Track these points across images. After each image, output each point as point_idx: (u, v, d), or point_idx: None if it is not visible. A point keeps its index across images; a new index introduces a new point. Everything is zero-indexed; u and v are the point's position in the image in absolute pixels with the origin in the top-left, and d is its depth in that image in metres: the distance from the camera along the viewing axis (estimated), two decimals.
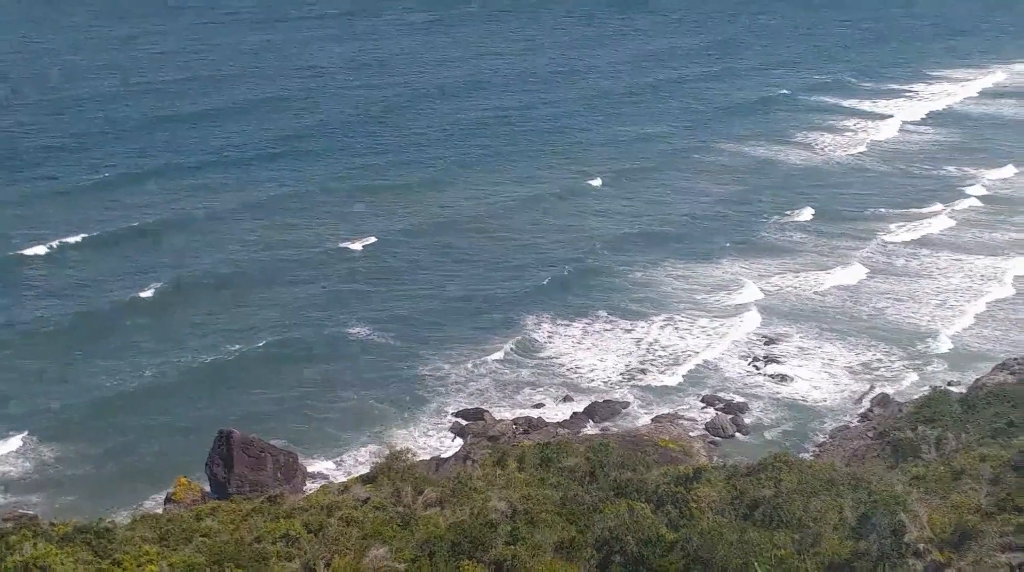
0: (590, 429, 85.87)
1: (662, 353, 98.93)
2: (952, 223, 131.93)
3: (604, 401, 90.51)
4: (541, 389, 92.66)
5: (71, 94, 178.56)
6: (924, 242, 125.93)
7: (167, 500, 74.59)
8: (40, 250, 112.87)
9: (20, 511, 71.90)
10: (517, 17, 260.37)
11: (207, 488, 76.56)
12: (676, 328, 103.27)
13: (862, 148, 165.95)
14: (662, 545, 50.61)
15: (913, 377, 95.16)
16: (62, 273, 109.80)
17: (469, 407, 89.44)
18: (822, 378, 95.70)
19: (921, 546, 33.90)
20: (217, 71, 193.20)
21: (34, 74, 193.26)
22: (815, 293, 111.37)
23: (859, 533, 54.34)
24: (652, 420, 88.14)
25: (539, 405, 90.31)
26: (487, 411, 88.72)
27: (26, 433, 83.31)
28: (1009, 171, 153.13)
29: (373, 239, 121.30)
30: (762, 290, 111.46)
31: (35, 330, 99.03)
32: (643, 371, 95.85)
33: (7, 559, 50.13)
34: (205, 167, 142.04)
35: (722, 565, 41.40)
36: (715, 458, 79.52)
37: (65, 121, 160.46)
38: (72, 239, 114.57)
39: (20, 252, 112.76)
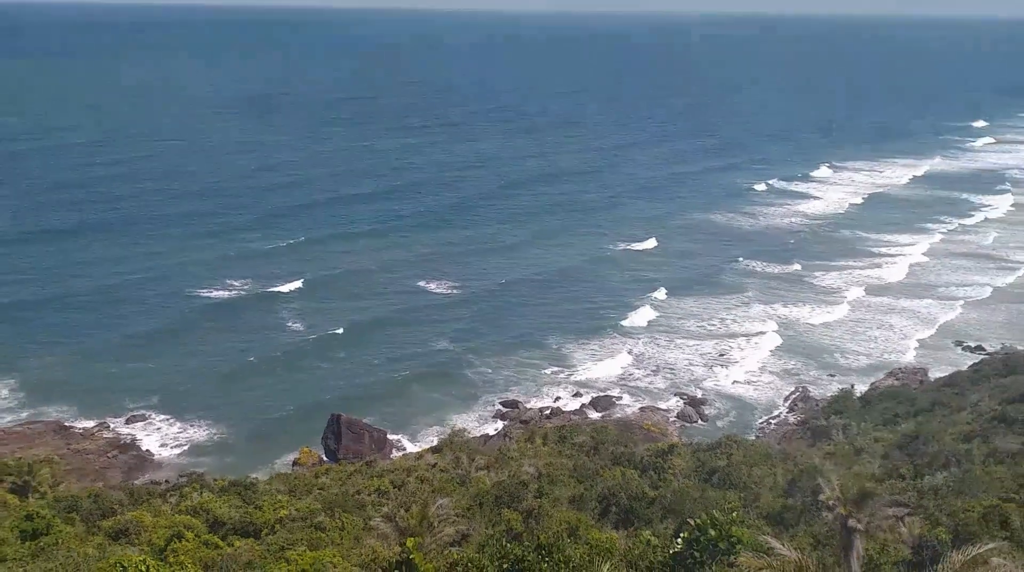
0: (594, 416, 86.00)
1: (648, 361, 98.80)
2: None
3: (604, 396, 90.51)
4: (559, 387, 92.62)
5: (293, 181, 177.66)
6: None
7: (294, 463, 75.20)
8: (286, 290, 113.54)
9: (192, 470, 72.62)
10: (574, 128, 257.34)
11: (322, 455, 77.10)
12: (657, 344, 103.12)
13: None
14: (646, 500, 51.01)
15: (826, 381, 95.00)
16: (286, 306, 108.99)
17: (508, 399, 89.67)
18: (761, 381, 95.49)
19: (832, 503, 33.77)
20: (371, 166, 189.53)
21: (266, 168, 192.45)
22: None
23: (788, 493, 54.54)
24: (639, 410, 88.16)
25: (557, 398, 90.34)
26: (520, 402, 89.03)
27: (198, 415, 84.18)
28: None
29: (457, 284, 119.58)
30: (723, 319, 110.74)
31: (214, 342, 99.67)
32: (632, 375, 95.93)
33: (181, 504, 50.90)
34: (373, 233, 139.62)
35: (688, 514, 41.51)
36: (684, 438, 79.70)
37: (283, 199, 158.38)
38: (295, 284, 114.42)
39: (267, 290, 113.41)
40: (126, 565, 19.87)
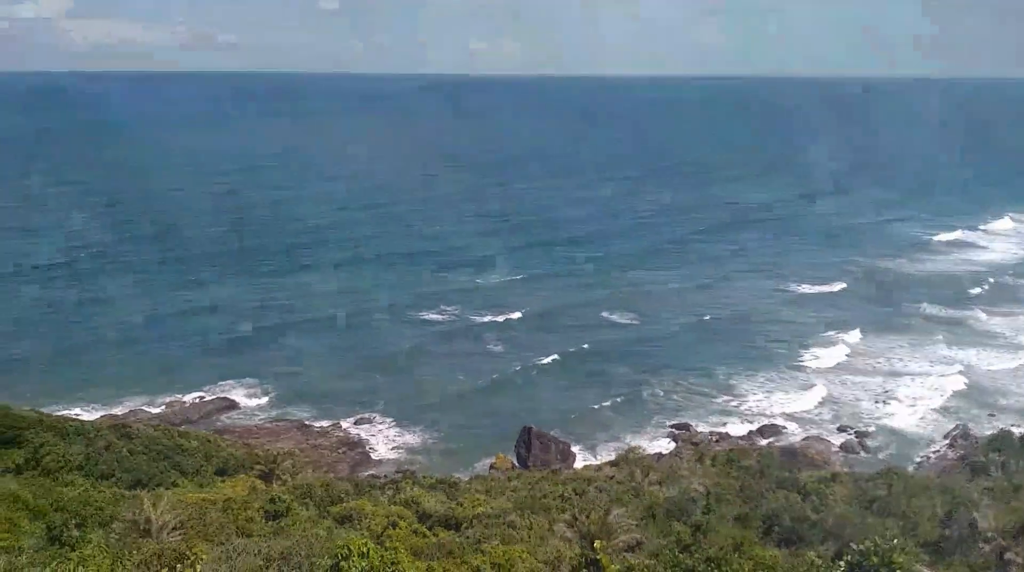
0: (761, 442, 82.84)
1: (816, 395, 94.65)
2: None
3: (771, 424, 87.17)
4: (728, 415, 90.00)
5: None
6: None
7: (491, 467, 75.94)
8: (493, 320, 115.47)
9: (406, 467, 74.62)
10: (755, 179, 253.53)
11: (515, 461, 77.59)
12: (827, 379, 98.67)
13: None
14: (808, 522, 48.50)
15: (986, 420, 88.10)
16: (492, 334, 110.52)
17: (679, 422, 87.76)
18: (923, 417, 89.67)
19: (989, 534, 31.19)
20: (577, 214, 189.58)
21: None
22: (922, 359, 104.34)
23: (945, 524, 50.58)
24: (804, 439, 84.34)
25: (725, 423, 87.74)
26: (691, 425, 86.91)
27: (414, 421, 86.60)
28: None
29: (642, 318, 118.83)
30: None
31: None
32: (800, 407, 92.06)
33: (396, 496, 52.21)
34: (571, 273, 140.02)
35: (848, 539, 39.15)
36: (846, 468, 75.57)
37: (498, 241, 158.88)
38: (502, 316, 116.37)
39: (477, 320, 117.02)
40: (351, 547, 20.45)
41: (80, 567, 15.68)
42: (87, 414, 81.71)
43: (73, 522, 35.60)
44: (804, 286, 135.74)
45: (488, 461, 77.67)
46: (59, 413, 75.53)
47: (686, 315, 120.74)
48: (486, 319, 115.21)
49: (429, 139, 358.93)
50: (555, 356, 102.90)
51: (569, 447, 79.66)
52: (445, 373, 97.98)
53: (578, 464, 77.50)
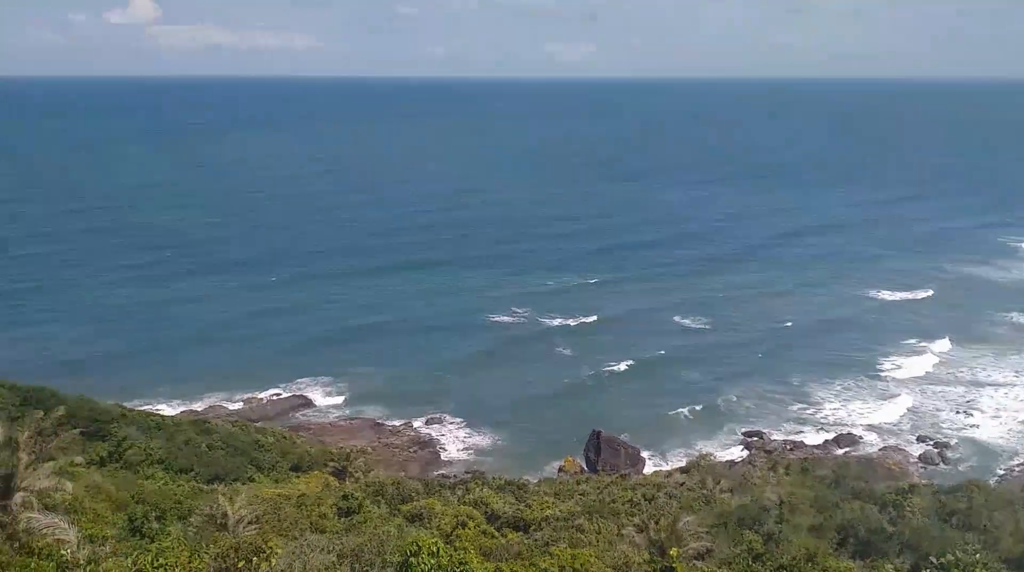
0: (836, 452, 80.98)
1: (896, 404, 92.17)
2: None
3: (847, 433, 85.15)
4: (803, 423, 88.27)
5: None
6: None
7: (559, 470, 75.87)
8: (565, 323, 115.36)
9: (475, 468, 74.98)
10: (841, 183, 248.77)
11: (583, 465, 77.34)
12: (907, 388, 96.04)
13: None
14: (884, 534, 47.30)
15: None
16: (562, 338, 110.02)
17: (752, 429, 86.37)
18: (1008, 429, 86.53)
19: None
20: (653, 216, 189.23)
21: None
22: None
23: None
24: (881, 449, 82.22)
25: (800, 432, 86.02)
26: (765, 433, 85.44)
27: (484, 422, 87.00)
28: None
29: (718, 324, 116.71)
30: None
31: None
32: (878, 415, 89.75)
33: (465, 496, 52.49)
34: (650, 277, 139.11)
35: (925, 552, 38.05)
36: (924, 479, 73.36)
37: (572, 245, 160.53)
38: (575, 320, 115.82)
39: (550, 323, 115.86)
40: (421, 545, 20.64)
41: (159, 559, 16.15)
42: (168, 409, 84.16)
43: (153, 514, 36.69)
44: (887, 292, 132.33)
45: (557, 464, 77.59)
46: (142, 408, 78.00)
47: (763, 320, 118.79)
48: (556, 322, 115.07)
49: (505, 141, 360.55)
50: (627, 361, 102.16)
51: (639, 452, 79.08)
52: (516, 376, 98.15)
53: (647, 469, 76.89)
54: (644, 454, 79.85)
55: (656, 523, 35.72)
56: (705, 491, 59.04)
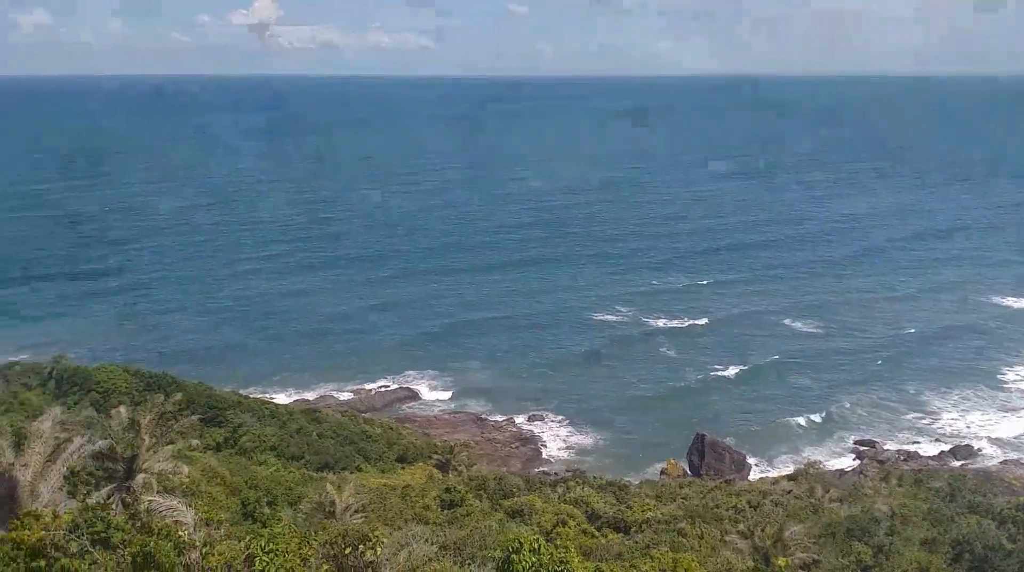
0: (953, 464, 77.57)
1: (1019, 415, 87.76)
2: None
3: (965, 445, 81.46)
4: (919, 432, 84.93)
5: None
6: None
7: (662, 472, 75.10)
8: (671, 324, 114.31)
9: (576, 467, 74.85)
10: (968, 184, 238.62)
11: (686, 469, 76.30)
12: None
13: None
14: (1003, 551, 45.00)
15: None
16: (667, 339, 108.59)
17: (864, 438, 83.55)
18: None
19: None
20: (769, 216, 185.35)
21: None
22: None
23: None
24: (1002, 462, 78.33)
25: (915, 442, 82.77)
26: (877, 442, 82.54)
27: (586, 421, 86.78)
28: None
29: (832, 327, 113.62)
30: None
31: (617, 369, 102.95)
32: (998, 427, 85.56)
33: (566, 495, 52.54)
34: (752, 280, 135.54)
35: None
36: None
37: (684, 245, 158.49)
38: (681, 322, 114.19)
39: (656, 324, 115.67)
40: (522, 541, 20.68)
41: (270, 544, 16.68)
42: (282, 397, 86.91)
43: (265, 500, 37.95)
44: (1013, 299, 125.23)
45: (659, 466, 76.77)
46: (256, 396, 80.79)
47: (880, 326, 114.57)
48: (661, 323, 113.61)
49: (610, 142, 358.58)
50: (735, 364, 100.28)
51: (744, 458, 77.51)
52: (619, 376, 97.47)
53: (753, 476, 75.33)
54: (750, 460, 78.25)
55: (762, 531, 34.94)
56: (813, 500, 57.46)
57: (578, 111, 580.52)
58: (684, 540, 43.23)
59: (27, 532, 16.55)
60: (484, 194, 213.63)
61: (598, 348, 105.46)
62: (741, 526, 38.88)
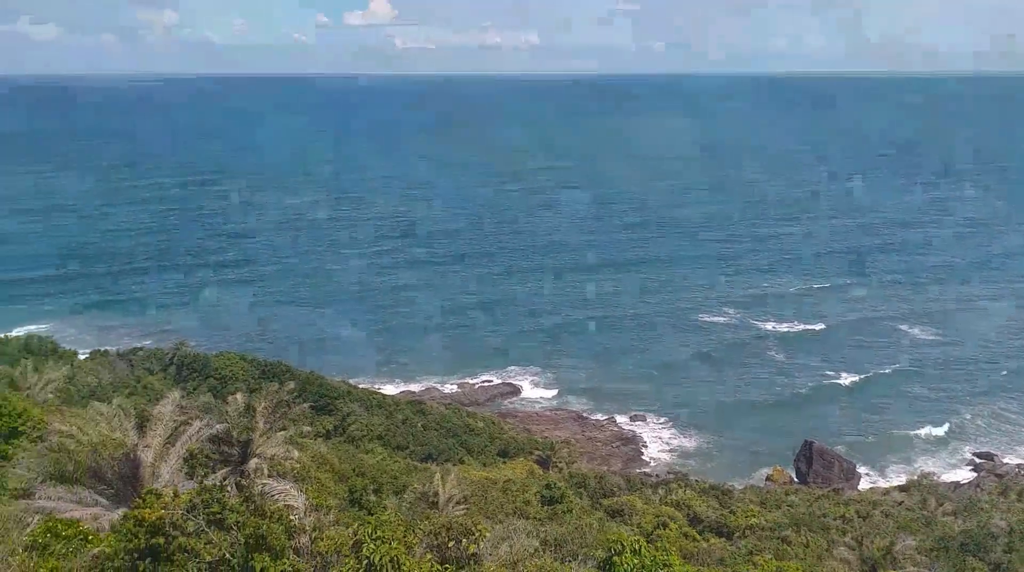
0: None
1: None
2: None
3: None
4: None
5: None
6: None
7: (767, 479, 73.47)
8: (781, 328, 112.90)
9: (678, 469, 73.99)
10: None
11: (793, 476, 74.47)
12: None
13: None
14: None
15: None
16: (777, 344, 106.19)
17: (982, 450, 79.82)
18: None
19: None
20: (885, 218, 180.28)
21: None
22: None
23: None
24: None
25: None
26: (997, 455, 78.76)
27: (689, 423, 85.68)
28: None
29: (941, 332, 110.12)
30: None
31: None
32: None
33: (667, 497, 51.94)
34: (869, 285, 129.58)
35: None
36: None
37: (794, 246, 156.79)
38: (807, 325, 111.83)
39: (764, 326, 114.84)
40: (624, 543, 20.54)
41: (378, 531, 17.01)
42: (389, 388, 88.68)
43: (371, 488, 38.78)
44: None
45: (764, 472, 75.08)
46: (364, 386, 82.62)
47: (1005, 335, 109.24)
48: (770, 326, 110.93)
49: (727, 140, 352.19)
50: (847, 370, 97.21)
51: (854, 467, 75.05)
52: (725, 379, 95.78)
53: (863, 485, 72.88)
54: (860, 469, 75.73)
55: (871, 542, 33.78)
56: (926, 512, 55.26)
57: (692, 107, 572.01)
58: (789, 548, 42.18)
59: (148, 510, 17.30)
60: (593, 192, 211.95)
61: (705, 350, 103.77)
62: (849, 536, 37.66)
